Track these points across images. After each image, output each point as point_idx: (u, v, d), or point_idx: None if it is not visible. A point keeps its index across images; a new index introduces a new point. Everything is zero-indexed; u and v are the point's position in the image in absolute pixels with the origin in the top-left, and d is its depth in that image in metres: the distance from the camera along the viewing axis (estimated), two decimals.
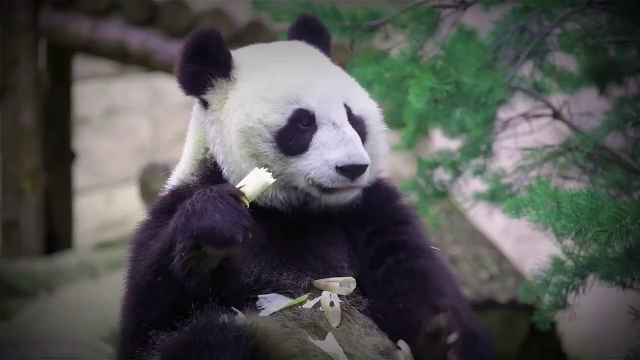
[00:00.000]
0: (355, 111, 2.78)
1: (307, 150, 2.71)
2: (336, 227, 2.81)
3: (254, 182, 2.60)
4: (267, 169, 2.67)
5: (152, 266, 2.61)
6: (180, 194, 2.81)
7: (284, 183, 2.74)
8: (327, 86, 2.76)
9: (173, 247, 2.54)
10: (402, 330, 2.69)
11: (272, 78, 2.77)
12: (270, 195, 2.74)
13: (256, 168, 2.65)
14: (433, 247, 2.87)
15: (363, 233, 2.81)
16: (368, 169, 2.70)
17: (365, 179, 2.72)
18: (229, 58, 2.84)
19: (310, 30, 2.92)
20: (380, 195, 2.87)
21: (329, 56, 2.91)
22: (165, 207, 2.81)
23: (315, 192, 2.72)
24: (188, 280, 2.55)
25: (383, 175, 2.94)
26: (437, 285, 2.70)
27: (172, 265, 2.54)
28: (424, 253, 2.81)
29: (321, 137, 2.71)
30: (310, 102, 2.73)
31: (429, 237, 2.91)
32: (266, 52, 2.88)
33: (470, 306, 2.78)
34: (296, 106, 2.73)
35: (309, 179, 2.71)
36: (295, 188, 2.74)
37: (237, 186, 2.58)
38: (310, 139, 2.71)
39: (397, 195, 2.92)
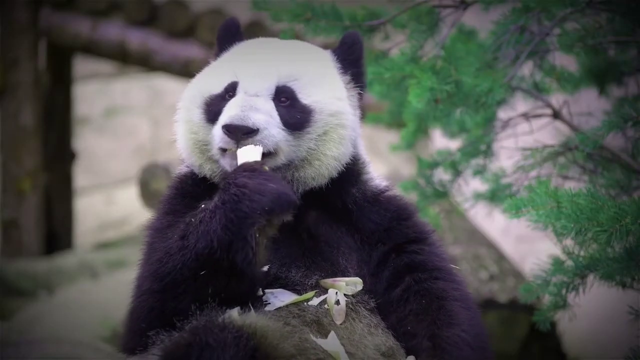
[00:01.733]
0: (305, 100, 2.79)
1: (220, 117, 2.76)
2: (346, 236, 2.83)
3: (249, 157, 2.66)
4: (194, 135, 2.79)
5: (190, 262, 2.58)
6: (183, 181, 2.88)
7: (210, 154, 2.79)
8: (266, 64, 2.80)
9: (238, 237, 2.55)
10: (407, 352, 2.72)
11: (232, 57, 2.88)
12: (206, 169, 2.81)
13: (240, 149, 2.69)
14: (452, 266, 2.86)
15: (375, 252, 2.82)
16: (261, 136, 2.68)
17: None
18: (229, 43, 2.95)
19: (342, 43, 2.95)
20: (389, 215, 2.86)
21: (345, 66, 2.90)
22: (175, 193, 2.86)
23: (220, 159, 2.75)
24: (250, 267, 2.58)
25: (394, 191, 2.93)
26: (450, 311, 2.71)
27: (237, 255, 2.56)
28: (443, 274, 2.80)
29: (229, 103, 2.75)
30: (241, 75, 2.79)
31: (447, 254, 2.90)
32: (256, 40, 2.96)
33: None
34: (232, 79, 2.79)
35: (216, 144, 2.75)
36: (217, 162, 2.78)
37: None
38: (223, 107, 2.76)
39: (409, 213, 2.90)
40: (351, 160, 2.86)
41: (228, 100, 2.76)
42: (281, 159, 2.75)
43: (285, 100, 2.77)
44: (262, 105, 2.72)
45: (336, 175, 2.81)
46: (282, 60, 2.82)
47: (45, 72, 9.13)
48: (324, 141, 2.78)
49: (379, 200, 2.88)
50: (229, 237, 2.56)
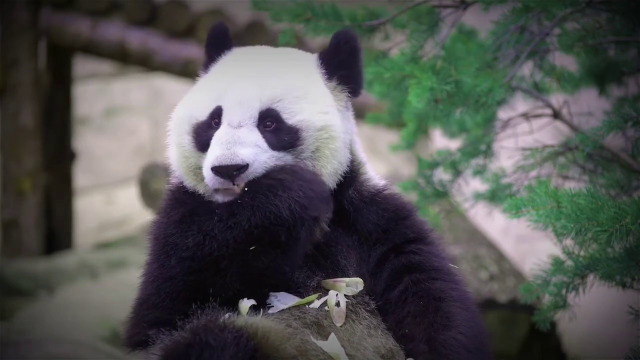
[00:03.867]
0: (291, 121, 2.75)
1: (208, 148, 2.74)
2: (344, 236, 2.82)
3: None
4: (187, 159, 2.78)
5: (241, 236, 2.61)
6: (176, 191, 2.86)
7: (203, 177, 2.76)
8: (248, 89, 2.75)
9: (311, 214, 2.63)
10: (407, 354, 2.72)
11: (217, 75, 2.84)
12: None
13: None
14: (452, 266, 2.85)
15: (374, 252, 2.81)
16: (253, 169, 2.66)
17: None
18: (218, 52, 2.91)
19: (329, 45, 2.91)
20: (387, 215, 2.85)
21: (331, 70, 2.86)
22: (173, 201, 2.84)
23: (214, 194, 2.75)
24: (306, 246, 2.66)
25: (392, 190, 2.92)
26: (447, 313, 2.71)
27: (299, 233, 2.62)
28: (441, 274, 2.79)
29: (215, 136, 2.72)
30: (225, 101, 2.75)
31: (447, 254, 2.89)
32: (241, 53, 2.92)
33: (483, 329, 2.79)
34: (217, 104, 2.76)
35: (209, 185, 2.74)
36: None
37: None
38: (211, 137, 2.73)
39: (407, 212, 2.88)
40: (347, 165, 2.84)
41: (214, 128, 2.73)
42: None
43: (271, 124, 2.73)
44: (248, 137, 2.69)
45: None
46: (264, 80, 2.77)
47: (45, 72, 9.13)
48: (318, 158, 2.76)
49: (376, 200, 2.87)
50: (300, 211, 2.61)
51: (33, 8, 8.74)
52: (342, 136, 2.79)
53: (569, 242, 3.19)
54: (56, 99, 9.29)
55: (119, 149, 12.35)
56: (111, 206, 12.03)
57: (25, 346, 4.68)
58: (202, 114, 2.78)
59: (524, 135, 3.85)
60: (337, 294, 2.71)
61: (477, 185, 3.99)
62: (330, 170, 2.77)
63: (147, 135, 12.31)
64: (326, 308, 2.69)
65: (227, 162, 2.64)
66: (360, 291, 2.75)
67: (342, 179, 2.81)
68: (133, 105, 12.50)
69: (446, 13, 3.52)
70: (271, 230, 2.60)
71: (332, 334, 2.65)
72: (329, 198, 2.68)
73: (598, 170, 3.71)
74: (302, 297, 2.70)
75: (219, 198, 2.71)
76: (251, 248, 2.60)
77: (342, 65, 2.86)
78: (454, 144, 4.04)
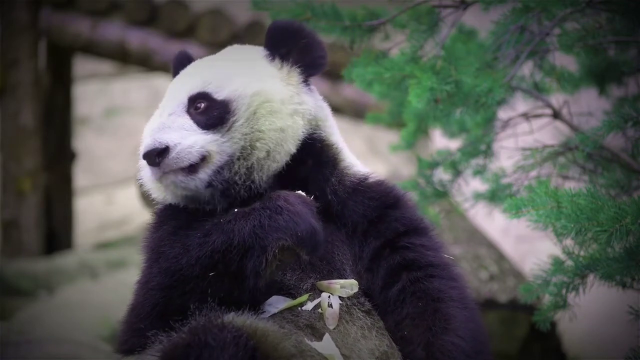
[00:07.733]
0: (220, 96, 2.78)
1: None
2: (338, 231, 2.80)
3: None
4: None
5: (204, 258, 2.60)
6: (164, 211, 2.87)
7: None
8: (178, 84, 2.85)
9: (259, 244, 2.57)
10: (405, 356, 2.72)
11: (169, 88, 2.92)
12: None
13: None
14: (447, 257, 2.83)
15: (367, 247, 2.80)
16: (176, 152, 2.69)
17: (178, 162, 2.70)
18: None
19: (269, 33, 2.93)
20: (373, 204, 2.83)
21: (272, 51, 2.88)
22: (162, 218, 2.84)
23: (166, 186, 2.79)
24: (256, 278, 2.59)
25: (375, 177, 2.89)
26: (446, 315, 2.70)
27: (249, 261, 2.57)
28: (438, 270, 2.78)
29: None
30: (164, 103, 2.85)
31: (440, 243, 2.86)
32: (191, 64, 2.98)
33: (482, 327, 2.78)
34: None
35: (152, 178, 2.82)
36: (186, 195, 2.81)
37: None
38: None
39: (394, 199, 2.86)
40: (316, 138, 2.83)
41: None
42: (219, 159, 2.74)
43: (201, 105, 2.77)
44: (173, 122, 2.75)
45: (295, 151, 2.78)
46: (198, 72, 2.84)
47: (45, 72, 9.14)
48: (255, 119, 2.76)
49: (359, 189, 2.84)
50: (251, 241, 2.57)
51: (33, 8, 8.75)
52: (283, 99, 2.78)
53: (569, 242, 3.18)
54: (56, 99, 9.29)
55: (119, 149, 12.35)
56: (111, 206, 12.04)
57: (25, 346, 4.68)
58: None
59: (524, 135, 3.85)
60: (329, 296, 2.69)
61: (477, 185, 3.98)
62: (272, 126, 2.76)
63: None
64: (319, 310, 2.68)
65: (148, 148, 2.70)
66: (355, 292, 2.74)
67: (315, 153, 2.80)
68: (133, 105, 12.51)
69: (446, 13, 3.52)
70: (225, 257, 2.59)
71: (327, 335, 2.64)
72: (299, 228, 2.58)
73: (598, 170, 3.71)
74: (294, 299, 2.69)
75: (165, 183, 2.74)
76: (210, 274, 2.59)
77: (278, 44, 2.87)
78: (454, 144, 4.04)
